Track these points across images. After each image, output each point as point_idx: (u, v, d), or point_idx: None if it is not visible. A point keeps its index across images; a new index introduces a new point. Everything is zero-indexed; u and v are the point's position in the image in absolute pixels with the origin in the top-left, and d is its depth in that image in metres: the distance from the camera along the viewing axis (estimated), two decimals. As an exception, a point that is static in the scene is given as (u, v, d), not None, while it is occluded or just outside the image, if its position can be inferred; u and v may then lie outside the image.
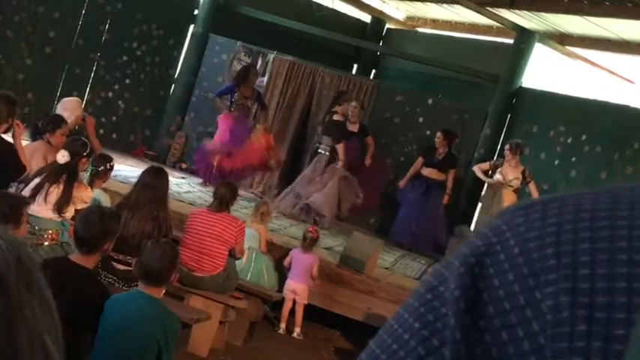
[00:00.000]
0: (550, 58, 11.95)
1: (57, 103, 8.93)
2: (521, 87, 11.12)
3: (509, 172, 9.24)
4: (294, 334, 7.37)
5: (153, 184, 5.71)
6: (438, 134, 10.17)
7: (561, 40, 11.83)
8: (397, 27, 14.29)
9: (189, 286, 6.31)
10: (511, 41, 11.32)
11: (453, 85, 12.11)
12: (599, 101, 10.30)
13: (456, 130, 10.39)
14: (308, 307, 7.36)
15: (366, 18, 14.13)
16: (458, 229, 8.32)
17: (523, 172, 9.28)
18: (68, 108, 7.45)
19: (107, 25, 11.82)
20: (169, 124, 12.31)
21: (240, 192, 8.09)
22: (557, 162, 10.26)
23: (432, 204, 10.07)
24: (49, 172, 5.46)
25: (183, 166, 11.89)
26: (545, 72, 11.97)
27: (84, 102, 10.74)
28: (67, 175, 5.43)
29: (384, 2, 13.54)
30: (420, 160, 10.28)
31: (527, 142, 9.99)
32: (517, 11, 11.33)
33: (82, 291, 3.69)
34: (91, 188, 5.80)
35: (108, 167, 6.14)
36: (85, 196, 5.54)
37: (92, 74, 11.89)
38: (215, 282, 6.36)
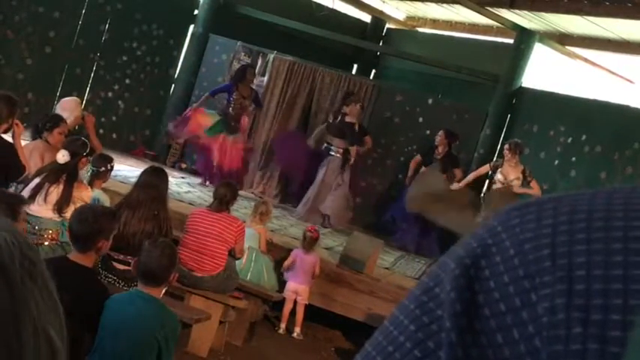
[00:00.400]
0: (550, 58, 11.95)
1: (57, 103, 8.92)
2: (521, 87, 11.12)
3: (510, 172, 9.24)
4: (294, 334, 7.36)
5: (152, 183, 5.70)
6: (440, 133, 10.19)
7: (561, 40, 11.82)
8: (397, 27, 14.29)
9: (189, 286, 6.31)
10: (511, 41, 11.32)
11: (453, 85, 12.11)
12: (599, 101, 10.29)
13: (456, 130, 10.39)
14: (308, 307, 7.36)
15: (366, 18, 14.13)
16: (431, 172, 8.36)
17: (523, 172, 9.28)
18: (67, 108, 7.44)
19: (107, 25, 11.82)
20: (169, 124, 12.30)
21: (240, 192, 8.10)
22: (556, 162, 10.26)
23: None
24: (49, 172, 5.46)
25: (183, 166, 11.89)
26: (545, 72, 11.97)
27: (84, 102, 10.75)
28: (66, 175, 5.44)
29: (384, 2, 13.54)
30: (418, 157, 10.30)
31: (527, 142, 9.99)
32: (517, 11, 11.33)
33: (82, 290, 3.69)
34: (91, 188, 5.80)
35: (108, 168, 6.14)
36: (85, 195, 5.54)
37: (92, 74, 11.89)
38: (215, 282, 6.36)
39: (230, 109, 10.54)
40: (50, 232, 5.37)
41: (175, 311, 4.07)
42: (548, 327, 0.55)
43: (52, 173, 5.44)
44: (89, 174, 5.98)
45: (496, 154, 10.55)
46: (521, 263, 0.57)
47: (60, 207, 5.35)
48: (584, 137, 10.03)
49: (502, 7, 11.33)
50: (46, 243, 5.33)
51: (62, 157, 5.42)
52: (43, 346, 0.56)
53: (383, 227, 10.56)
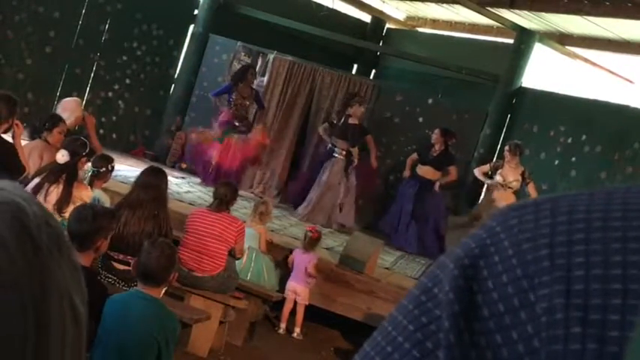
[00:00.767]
0: (550, 58, 11.95)
1: (57, 103, 8.93)
2: (521, 87, 11.12)
3: (510, 174, 9.23)
4: (294, 334, 7.36)
5: (152, 183, 5.70)
6: (436, 131, 10.20)
7: (561, 40, 11.83)
8: (397, 27, 14.29)
9: (189, 286, 6.31)
10: (511, 41, 11.32)
11: (453, 85, 12.11)
12: (599, 101, 10.29)
13: (456, 130, 10.38)
14: (308, 307, 7.36)
15: (366, 18, 14.13)
16: (451, 219, 8.35)
17: (523, 174, 9.27)
18: (68, 108, 7.45)
19: (107, 25, 11.82)
20: (169, 124, 12.30)
21: (240, 192, 8.09)
22: (557, 162, 10.26)
23: (428, 205, 10.02)
24: (49, 172, 5.46)
25: (183, 166, 11.89)
26: (545, 72, 11.97)
27: (84, 102, 10.75)
28: (66, 175, 5.43)
29: (384, 2, 13.54)
30: (415, 155, 10.32)
31: (527, 142, 9.99)
32: (517, 11, 11.34)
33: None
34: (91, 188, 5.80)
35: (109, 168, 6.14)
36: (85, 195, 5.54)
37: (92, 74, 11.89)
38: (215, 282, 6.36)
39: (230, 109, 10.56)
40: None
41: (175, 311, 4.07)
42: (546, 327, 0.54)
43: (52, 173, 5.44)
44: (89, 174, 5.97)
45: (496, 154, 10.55)
46: (520, 263, 0.57)
47: (60, 207, 5.35)
48: (584, 137, 10.03)
49: (502, 7, 11.33)
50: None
51: (62, 156, 5.42)
52: (67, 313, 0.58)
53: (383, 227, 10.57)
